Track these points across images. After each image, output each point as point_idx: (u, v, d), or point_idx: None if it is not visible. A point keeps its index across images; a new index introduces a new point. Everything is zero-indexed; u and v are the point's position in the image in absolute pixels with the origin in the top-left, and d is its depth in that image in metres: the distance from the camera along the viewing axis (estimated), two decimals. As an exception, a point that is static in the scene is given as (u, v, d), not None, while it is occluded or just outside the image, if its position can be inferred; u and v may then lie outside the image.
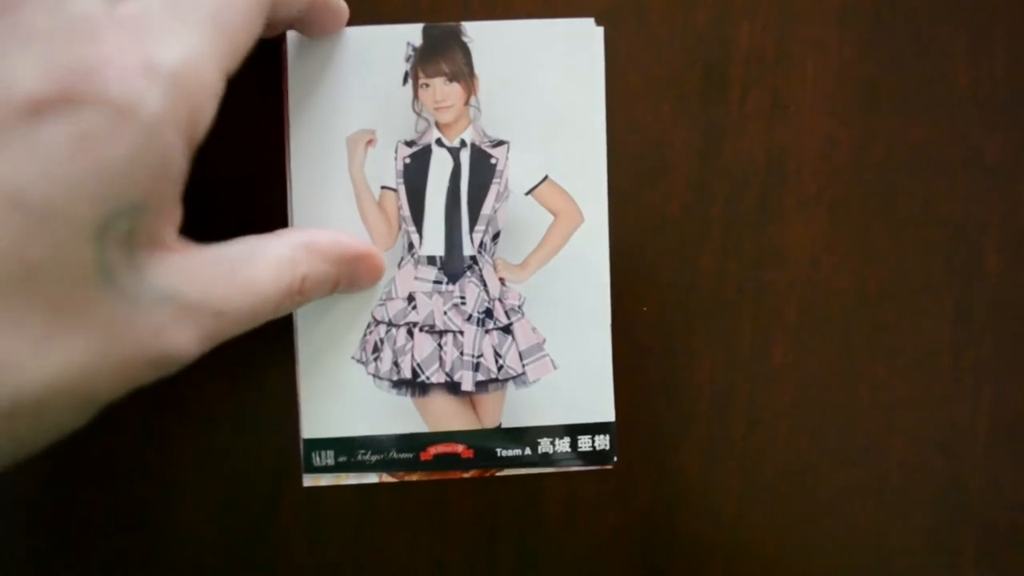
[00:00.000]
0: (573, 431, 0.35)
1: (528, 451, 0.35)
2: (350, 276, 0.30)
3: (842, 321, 0.36)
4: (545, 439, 0.35)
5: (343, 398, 0.34)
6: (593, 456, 0.35)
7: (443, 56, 0.34)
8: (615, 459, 0.35)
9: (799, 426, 0.36)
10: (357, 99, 0.34)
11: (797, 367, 0.36)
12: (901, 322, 0.36)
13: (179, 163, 0.23)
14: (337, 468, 0.34)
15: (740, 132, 0.35)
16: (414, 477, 0.35)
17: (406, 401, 0.34)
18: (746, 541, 0.36)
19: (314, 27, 0.32)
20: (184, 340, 0.23)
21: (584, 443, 0.35)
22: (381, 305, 0.34)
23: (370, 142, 0.34)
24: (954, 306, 0.36)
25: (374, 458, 0.34)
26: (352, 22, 0.34)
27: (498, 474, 0.35)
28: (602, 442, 0.35)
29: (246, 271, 0.25)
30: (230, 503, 0.35)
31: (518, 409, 0.35)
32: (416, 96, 0.34)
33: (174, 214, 0.24)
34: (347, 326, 0.34)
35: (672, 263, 0.35)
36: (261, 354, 0.35)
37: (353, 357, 0.34)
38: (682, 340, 0.36)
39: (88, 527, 0.35)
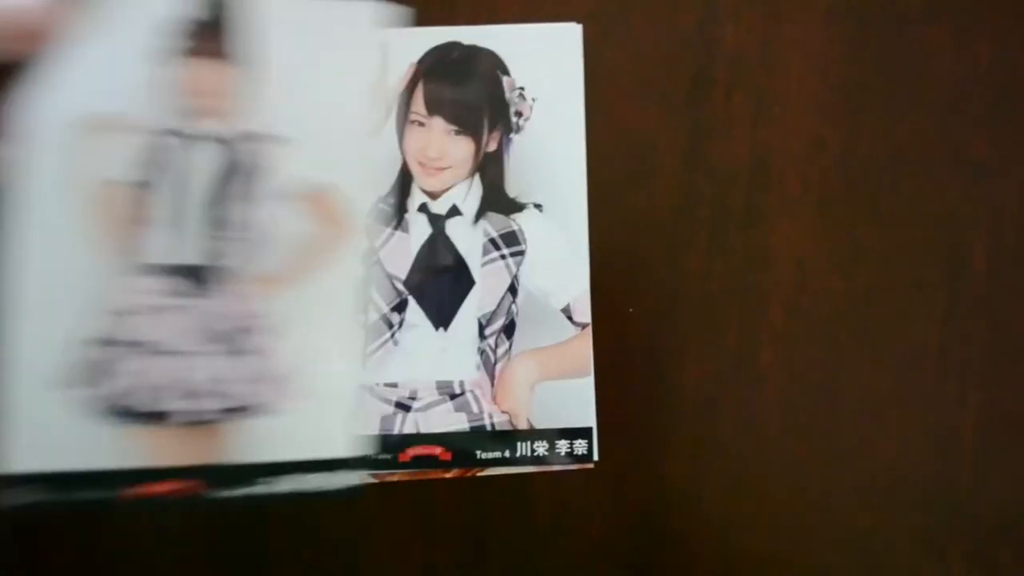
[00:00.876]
0: (309, 467, 0.30)
1: (258, 488, 0.30)
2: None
3: (829, 321, 0.36)
4: (280, 476, 0.30)
5: (48, 428, 0.28)
6: (340, 492, 0.31)
7: (214, 32, 0.28)
8: (361, 490, 0.31)
9: (786, 426, 0.36)
10: (90, 74, 0.27)
11: (784, 367, 0.36)
12: (888, 322, 0.36)
13: None
14: (46, 505, 0.29)
15: (726, 133, 0.35)
16: (394, 478, 0.35)
17: (127, 431, 0.29)
18: (734, 541, 0.36)
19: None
20: None
21: (337, 479, 0.31)
22: (103, 320, 0.28)
23: (100, 128, 0.28)
24: (942, 306, 0.36)
25: (72, 496, 0.29)
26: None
27: (480, 474, 0.35)
28: (346, 479, 0.31)
29: None
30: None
31: (259, 440, 0.30)
32: (174, 76, 0.28)
33: None
34: (54, 347, 0.28)
35: (658, 264, 0.35)
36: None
37: (62, 383, 0.28)
38: (668, 341, 0.35)
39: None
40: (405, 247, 0.35)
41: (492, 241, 0.35)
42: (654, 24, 0.35)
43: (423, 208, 0.35)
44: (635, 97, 0.35)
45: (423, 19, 0.35)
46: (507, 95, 0.35)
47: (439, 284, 0.35)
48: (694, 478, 0.35)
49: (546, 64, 0.35)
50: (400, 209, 0.35)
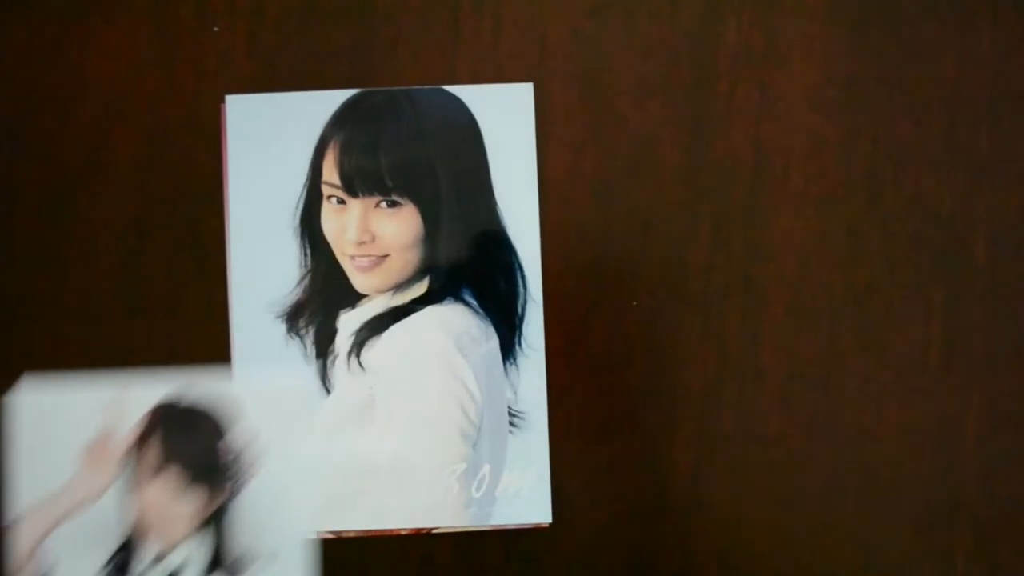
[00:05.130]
0: None
1: None
2: None
3: (831, 316, 0.36)
4: None
5: None
6: None
7: None
8: None
9: (788, 421, 0.35)
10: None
11: (786, 362, 0.35)
12: (890, 317, 0.36)
13: None
14: None
15: (728, 128, 0.36)
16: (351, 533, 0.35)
17: None
18: (736, 534, 0.35)
19: None
20: None
21: None
22: None
23: None
24: (944, 300, 0.36)
25: None
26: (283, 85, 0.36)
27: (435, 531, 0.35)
28: None
29: None
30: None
31: None
32: None
33: None
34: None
35: (661, 258, 0.35)
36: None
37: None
38: (671, 335, 0.36)
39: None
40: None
41: None
42: (656, 20, 0.35)
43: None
44: (637, 92, 0.35)
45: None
46: (231, 450, 0.33)
47: None
48: (695, 471, 0.35)
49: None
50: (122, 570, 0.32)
